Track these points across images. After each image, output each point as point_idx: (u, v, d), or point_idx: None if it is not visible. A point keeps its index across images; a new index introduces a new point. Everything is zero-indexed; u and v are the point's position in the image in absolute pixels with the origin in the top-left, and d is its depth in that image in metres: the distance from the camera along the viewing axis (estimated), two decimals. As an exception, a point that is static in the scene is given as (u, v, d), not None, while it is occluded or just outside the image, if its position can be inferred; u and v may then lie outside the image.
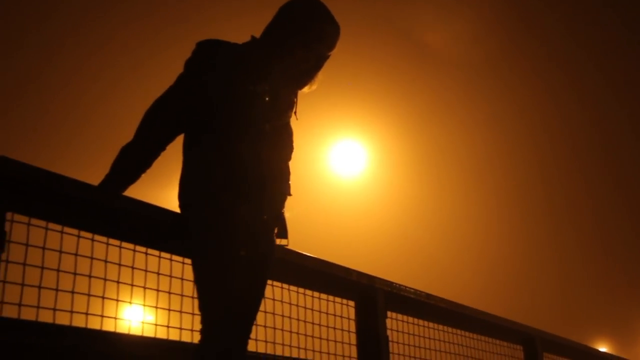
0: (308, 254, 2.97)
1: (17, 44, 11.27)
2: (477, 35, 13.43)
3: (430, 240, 14.87)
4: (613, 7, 13.84)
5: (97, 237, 2.28)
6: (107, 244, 2.30)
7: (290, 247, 2.70)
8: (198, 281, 2.37)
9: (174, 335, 2.50)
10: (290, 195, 2.70)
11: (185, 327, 2.55)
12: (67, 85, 11.81)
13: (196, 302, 2.53)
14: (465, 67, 13.88)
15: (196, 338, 2.53)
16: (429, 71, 13.80)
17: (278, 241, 2.65)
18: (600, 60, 14.35)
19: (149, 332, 2.45)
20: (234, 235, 2.35)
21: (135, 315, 2.42)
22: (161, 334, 2.48)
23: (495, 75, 14.06)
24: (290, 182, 2.70)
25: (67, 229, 2.19)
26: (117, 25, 11.87)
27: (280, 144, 2.64)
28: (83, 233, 2.24)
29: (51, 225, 2.15)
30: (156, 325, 2.47)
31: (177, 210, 2.47)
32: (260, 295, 2.54)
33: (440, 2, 13.21)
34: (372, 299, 3.38)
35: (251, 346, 2.57)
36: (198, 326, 2.52)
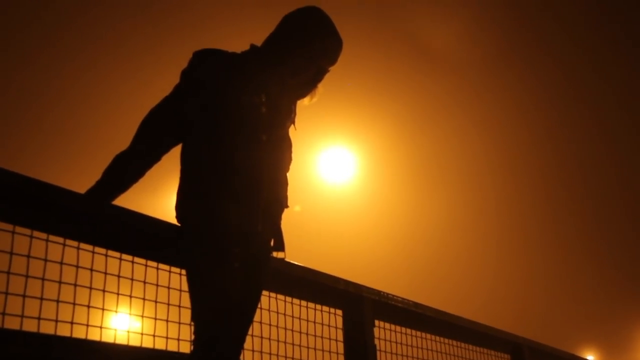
0: (295, 262, 2.96)
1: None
2: (472, 39, 13.47)
3: (420, 248, 14.89)
4: (611, 7, 13.90)
5: (83, 245, 2.26)
6: (93, 252, 2.28)
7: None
8: (192, 291, 2.36)
9: (160, 345, 2.49)
10: (287, 207, 2.69)
11: (172, 336, 2.53)
12: (48, 88, 11.77)
13: (183, 311, 2.52)
14: (459, 72, 13.92)
15: (182, 347, 2.52)
16: (421, 76, 13.83)
17: (275, 254, 2.64)
18: (600, 61, 14.38)
19: (134, 341, 2.43)
20: (227, 246, 2.34)
21: (121, 324, 2.41)
22: (147, 343, 2.47)
23: (491, 80, 14.10)
24: (287, 194, 2.70)
25: (52, 237, 2.17)
26: (103, 26, 11.84)
27: (278, 155, 2.63)
28: (69, 241, 2.22)
29: (36, 234, 2.13)
30: (142, 334, 2.45)
31: (168, 219, 2.46)
32: (255, 306, 2.54)
33: (435, 5, 13.24)
34: (359, 308, 3.38)
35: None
36: (184, 335, 2.51)
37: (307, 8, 2.72)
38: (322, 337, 3.16)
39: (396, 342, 3.65)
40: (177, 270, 2.54)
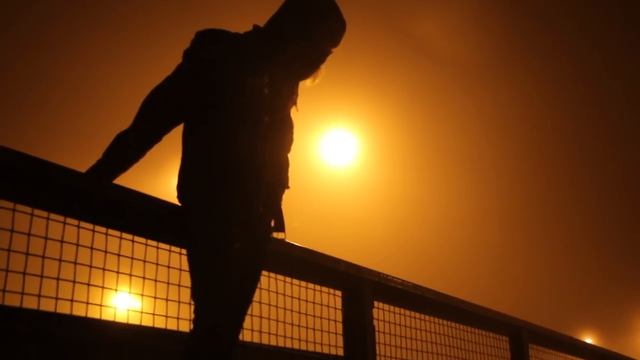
0: (296, 244, 2.97)
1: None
2: (478, 24, 13.40)
3: (421, 231, 14.91)
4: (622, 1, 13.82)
5: (83, 224, 2.27)
6: (94, 231, 2.29)
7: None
8: (193, 271, 2.37)
9: (159, 323, 2.50)
10: (288, 187, 2.69)
11: (171, 315, 2.55)
12: (48, 70, 11.74)
13: (183, 290, 2.53)
14: (461, 56, 13.86)
15: (182, 326, 2.53)
16: (422, 61, 13.78)
17: (275, 234, 2.65)
18: (605, 53, 14.32)
19: (134, 320, 2.45)
20: (229, 228, 2.35)
21: (121, 303, 2.42)
22: (147, 321, 2.48)
23: (494, 65, 14.04)
24: (288, 175, 2.70)
25: (52, 216, 2.18)
26: (104, 9, 11.79)
27: (279, 136, 2.63)
28: (69, 220, 2.23)
29: (37, 212, 2.14)
30: (142, 312, 2.46)
31: (169, 199, 2.47)
32: (254, 286, 2.55)
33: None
34: (359, 289, 3.39)
35: (237, 335, 2.57)
36: (184, 314, 2.53)
37: None
38: (321, 318, 3.17)
39: (395, 324, 3.67)
40: (177, 249, 2.54)
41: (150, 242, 2.49)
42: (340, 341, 3.28)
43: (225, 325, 2.33)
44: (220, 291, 2.30)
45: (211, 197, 2.37)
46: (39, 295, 2.10)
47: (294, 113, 2.74)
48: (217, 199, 2.37)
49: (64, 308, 2.17)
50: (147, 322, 2.47)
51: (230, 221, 2.36)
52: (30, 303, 2.09)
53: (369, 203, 14.57)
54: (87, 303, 2.26)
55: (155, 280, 2.49)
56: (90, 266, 2.27)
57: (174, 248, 2.55)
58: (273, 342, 2.91)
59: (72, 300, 2.19)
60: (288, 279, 3.02)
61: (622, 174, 16.06)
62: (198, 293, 2.34)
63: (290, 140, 2.73)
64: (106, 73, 11.84)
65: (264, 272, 2.83)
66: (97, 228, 2.31)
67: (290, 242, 2.88)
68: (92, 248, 2.28)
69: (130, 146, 2.43)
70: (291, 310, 3.00)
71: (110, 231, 2.35)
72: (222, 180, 2.39)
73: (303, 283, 3.11)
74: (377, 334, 3.47)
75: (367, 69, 13.24)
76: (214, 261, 2.32)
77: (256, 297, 2.69)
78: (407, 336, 3.74)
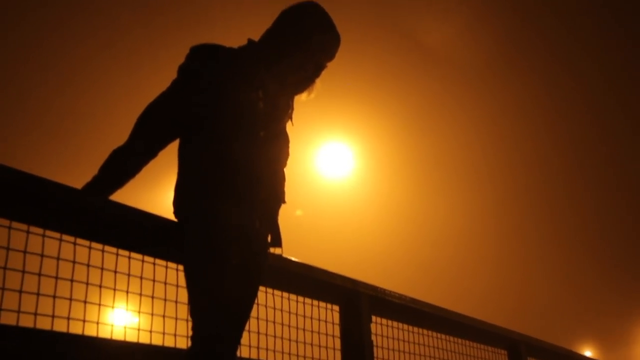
0: (292, 258, 2.96)
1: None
2: (472, 36, 13.46)
3: (418, 243, 14.90)
4: (613, 4, 13.87)
5: (79, 241, 2.26)
6: (90, 247, 2.28)
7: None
8: (190, 287, 2.36)
9: (157, 340, 2.49)
10: (284, 202, 2.69)
11: (169, 332, 2.53)
12: (46, 81, 11.74)
13: (180, 306, 2.52)
14: (456, 67, 13.91)
15: (180, 343, 2.52)
16: (419, 72, 13.83)
17: (272, 249, 2.64)
18: (600, 59, 14.38)
19: (131, 337, 2.43)
20: (226, 243, 2.34)
21: (118, 320, 2.41)
22: (144, 338, 2.47)
23: (488, 76, 14.09)
24: (285, 190, 2.70)
25: (49, 233, 2.17)
26: (102, 21, 11.82)
27: (275, 151, 2.63)
28: (65, 237, 2.22)
29: (33, 229, 2.13)
30: (139, 330, 2.45)
31: (165, 214, 2.46)
32: (252, 301, 2.54)
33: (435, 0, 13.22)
34: (356, 304, 3.38)
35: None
36: (182, 331, 2.51)
37: (305, 3, 2.71)
38: (319, 333, 3.16)
39: (393, 338, 3.66)
40: (174, 265, 2.54)
41: (147, 258, 2.48)
42: (338, 357, 3.26)
43: (223, 341, 2.32)
44: (218, 307, 2.29)
45: (208, 211, 2.36)
46: (35, 314, 2.09)
47: (289, 126, 2.75)
48: (214, 212, 2.36)
49: (60, 326, 2.16)
50: (144, 339, 2.46)
51: (228, 235, 2.35)
52: (26, 321, 2.07)
53: (366, 216, 14.58)
54: (84, 320, 2.24)
55: (152, 297, 2.48)
56: (87, 283, 2.26)
57: (170, 264, 2.54)
58: (270, 358, 2.90)
59: (68, 318, 2.18)
60: (285, 294, 3.01)
61: (620, 182, 16.08)
62: (195, 309, 2.33)
63: (286, 155, 2.73)
64: (102, 87, 11.86)
65: (260, 288, 2.82)
66: (94, 245, 2.30)
67: (287, 256, 2.87)
68: (88, 265, 2.26)
69: (126, 163, 2.42)
70: (288, 326, 2.99)
71: (107, 248, 2.35)
72: (219, 193, 2.39)
73: (300, 298, 3.10)
74: (375, 349, 3.46)
75: (363, 81, 13.28)
76: (211, 276, 2.31)
77: (253, 312, 2.68)
78: (405, 351, 3.72)
